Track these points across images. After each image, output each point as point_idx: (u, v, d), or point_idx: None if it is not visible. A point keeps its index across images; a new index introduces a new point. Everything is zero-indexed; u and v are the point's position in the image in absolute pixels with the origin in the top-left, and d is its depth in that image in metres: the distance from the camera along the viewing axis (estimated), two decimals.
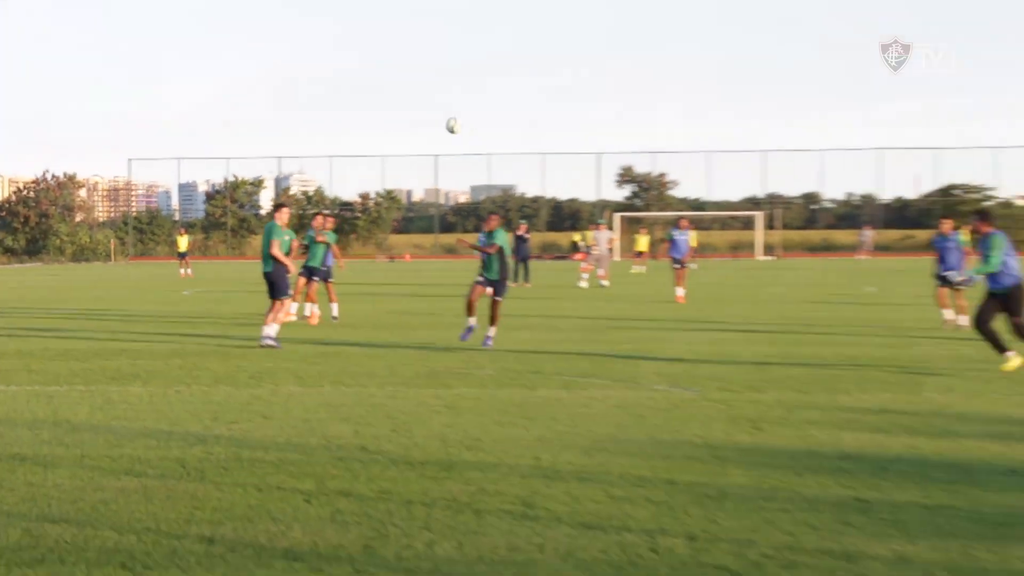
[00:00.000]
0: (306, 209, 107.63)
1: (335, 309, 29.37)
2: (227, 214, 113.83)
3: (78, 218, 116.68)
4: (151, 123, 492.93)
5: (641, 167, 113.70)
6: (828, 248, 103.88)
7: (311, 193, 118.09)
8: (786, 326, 27.30)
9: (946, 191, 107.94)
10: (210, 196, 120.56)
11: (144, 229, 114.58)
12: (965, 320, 25.44)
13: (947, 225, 26.33)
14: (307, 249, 28.04)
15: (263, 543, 8.53)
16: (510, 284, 33.79)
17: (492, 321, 22.38)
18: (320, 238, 28.20)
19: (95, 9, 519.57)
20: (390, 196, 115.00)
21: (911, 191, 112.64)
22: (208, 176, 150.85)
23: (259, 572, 7.81)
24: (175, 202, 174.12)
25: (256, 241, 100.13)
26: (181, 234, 70.36)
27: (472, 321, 22.03)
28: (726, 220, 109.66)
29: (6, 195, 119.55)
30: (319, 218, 29.29)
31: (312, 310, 28.03)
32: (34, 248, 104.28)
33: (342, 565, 7.95)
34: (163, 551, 8.32)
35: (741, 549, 8.35)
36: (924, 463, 11.38)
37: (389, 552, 8.28)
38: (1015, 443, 12.42)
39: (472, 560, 8.08)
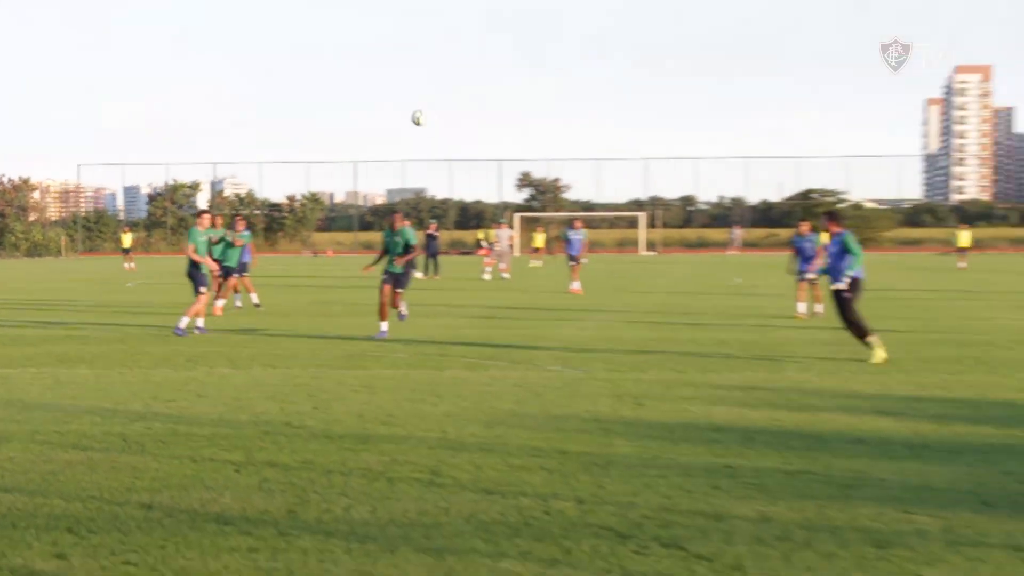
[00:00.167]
0: (239, 210, 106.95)
1: (255, 298, 29.53)
2: (167, 214, 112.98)
3: (32, 218, 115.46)
4: (99, 132, 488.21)
5: (538, 172, 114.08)
6: (702, 245, 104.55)
7: (243, 195, 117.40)
8: (665, 313, 27.46)
9: (805, 195, 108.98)
10: (152, 198, 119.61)
11: (92, 227, 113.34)
12: (821, 308, 25.71)
13: (805, 226, 26.56)
14: (225, 248, 27.58)
15: (197, 509, 8.47)
16: (420, 277, 33.46)
17: (395, 304, 21.81)
18: (238, 242, 27.80)
19: (42, 28, 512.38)
20: (314, 198, 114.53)
21: (775, 195, 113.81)
22: (150, 180, 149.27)
23: (193, 535, 7.75)
24: (120, 203, 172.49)
25: None
26: (125, 232, 69.96)
27: (384, 326, 21.44)
28: (613, 220, 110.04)
29: None
30: (237, 221, 28.97)
31: (221, 304, 27.55)
32: None
33: (268, 528, 7.91)
34: (106, 517, 8.24)
35: (624, 511, 8.38)
36: (784, 434, 11.48)
37: (310, 516, 8.25)
38: (863, 415, 12.55)
39: (385, 523, 8.06)
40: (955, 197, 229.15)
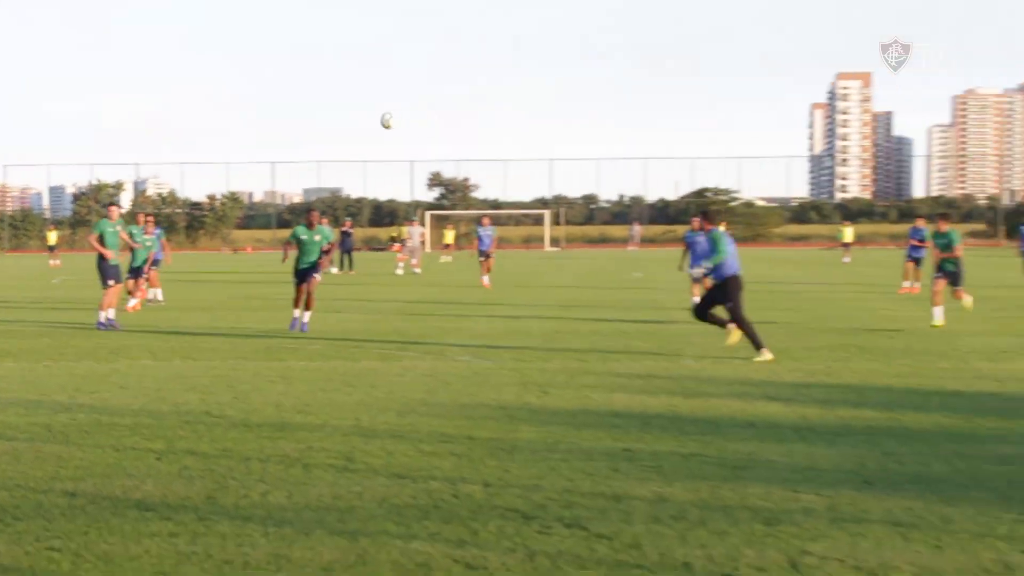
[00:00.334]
0: (161, 209, 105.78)
1: (159, 294, 29.49)
2: (92, 213, 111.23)
3: None
4: (25, 134, 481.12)
5: (448, 173, 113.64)
6: (604, 241, 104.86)
7: (165, 195, 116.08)
8: (569, 306, 27.53)
9: (700, 193, 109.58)
10: (77, 197, 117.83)
11: (18, 226, 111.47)
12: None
13: (697, 223, 26.61)
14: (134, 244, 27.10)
15: (119, 496, 8.37)
16: (336, 272, 33.10)
17: (307, 305, 20.98)
18: (135, 245, 27.21)
19: None
20: (234, 197, 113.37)
21: (672, 193, 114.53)
22: (75, 180, 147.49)
23: (115, 521, 7.65)
24: (46, 202, 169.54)
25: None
26: (51, 230, 68.89)
27: (297, 312, 21.06)
28: (519, 218, 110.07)
29: None
30: (149, 222, 28.50)
31: (134, 302, 27.19)
32: None
33: (188, 514, 7.83)
34: (30, 504, 8.13)
35: (528, 493, 8.39)
36: (680, 419, 11.55)
37: (229, 502, 8.18)
38: (754, 401, 12.66)
39: (300, 507, 8.01)
40: (839, 195, 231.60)
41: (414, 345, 18.56)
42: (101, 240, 22.38)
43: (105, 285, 22.03)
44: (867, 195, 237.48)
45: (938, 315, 21.17)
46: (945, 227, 21.99)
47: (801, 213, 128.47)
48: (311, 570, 6.59)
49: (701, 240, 25.86)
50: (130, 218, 34.92)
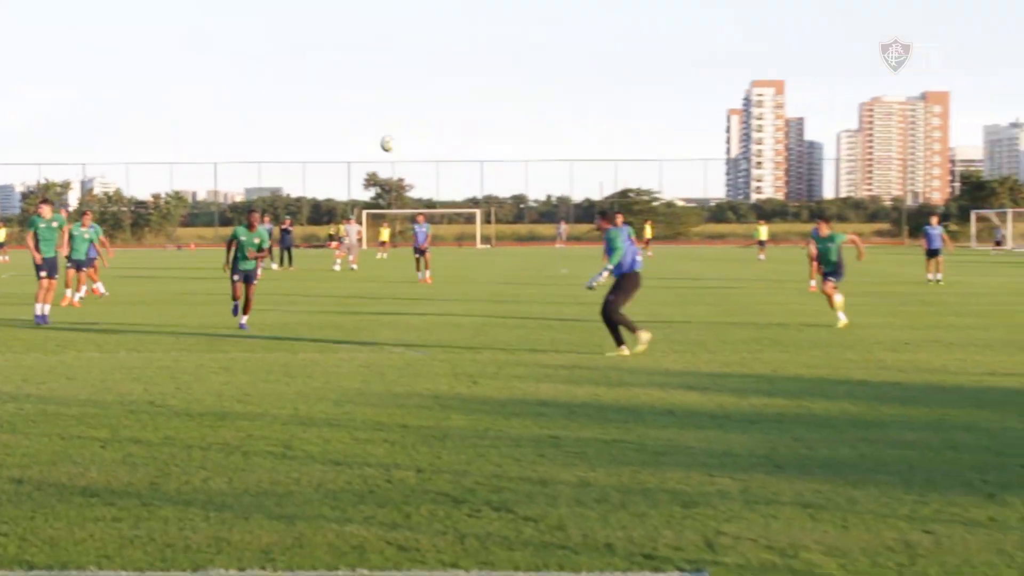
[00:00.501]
0: (107, 207, 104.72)
1: (101, 287, 29.43)
2: (55, 204, 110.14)
3: None
4: None
5: (383, 173, 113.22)
6: (533, 238, 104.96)
7: (111, 193, 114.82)
8: (499, 301, 27.54)
9: (623, 194, 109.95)
10: (25, 196, 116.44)
11: None
12: None
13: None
14: (72, 240, 26.75)
15: (65, 482, 8.27)
16: (276, 268, 32.82)
17: (246, 309, 20.19)
18: (81, 235, 26.93)
19: None
20: (177, 196, 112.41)
21: (596, 193, 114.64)
22: (23, 179, 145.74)
23: (61, 507, 7.56)
24: None
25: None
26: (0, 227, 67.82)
27: (244, 319, 20.08)
28: (452, 216, 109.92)
29: None
30: (86, 217, 28.12)
31: (77, 296, 26.84)
32: None
33: (131, 499, 7.75)
34: None
35: (459, 478, 8.38)
36: (603, 407, 11.59)
37: (171, 488, 8.11)
38: (673, 390, 12.73)
39: (240, 493, 7.95)
40: (754, 196, 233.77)
41: (350, 337, 18.49)
42: (35, 237, 21.94)
43: (39, 277, 21.69)
44: (780, 196, 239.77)
45: (842, 317, 20.39)
46: (827, 231, 21.31)
47: (719, 213, 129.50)
48: (250, 553, 6.55)
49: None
50: (77, 215, 34.51)
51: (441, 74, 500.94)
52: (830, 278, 20.96)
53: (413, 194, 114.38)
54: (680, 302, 27.01)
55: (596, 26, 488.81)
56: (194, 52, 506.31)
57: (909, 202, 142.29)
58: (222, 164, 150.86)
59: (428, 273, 36.22)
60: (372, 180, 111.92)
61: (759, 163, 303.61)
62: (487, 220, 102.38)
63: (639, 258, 16.79)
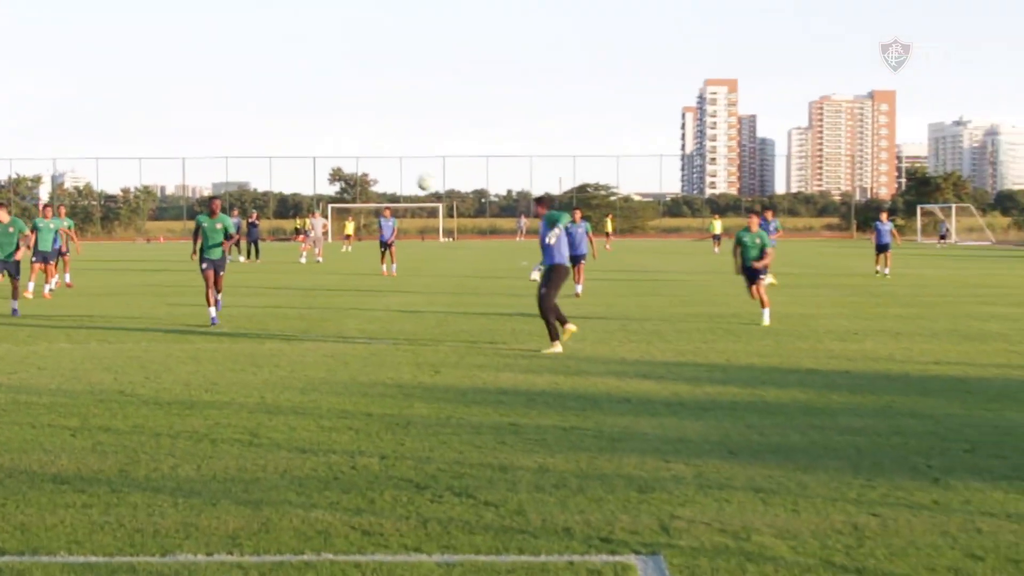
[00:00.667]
0: (77, 201, 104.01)
1: (67, 277, 29.60)
2: (11, 204, 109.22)
3: None
4: None
5: (348, 168, 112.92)
6: (494, 232, 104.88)
7: (81, 188, 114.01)
8: (461, 293, 27.53)
9: (582, 188, 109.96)
10: None
11: None
12: (580, 288, 25.75)
13: (577, 214, 26.59)
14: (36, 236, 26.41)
15: (36, 470, 8.21)
16: (243, 261, 32.57)
17: (218, 287, 19.52)
18: (47, 226, 26.57)
19: None
20: (147, 191, 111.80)
21: (556, 188, 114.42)
22: None
23: (32, 494, 7.50)
24: None
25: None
26: None
27: (213, 312, 19.16)
28: (415, 210, 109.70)
29: None
30: (47, 210, 27.78)
31: (47, 288, 26.59)
32: None
33: (101, 486, 7.70)
34: None
35: (421, 464, 8.37)
36: (562, 395, 11.60)
37: (140, 474, 8.06)
38: (629, 379, 12.76)
39: (208, 479, 7.92)
40: (708, 191, 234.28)
41: (316, 328, 18.44)
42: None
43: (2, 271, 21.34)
44: (734, 191, 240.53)
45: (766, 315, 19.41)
46: (757, 226, 20.26)
47: (674, 207, 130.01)
48: (218, 538, 6.52)
49: (580, 230, 25.97)
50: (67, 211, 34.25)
51: (403, 70, 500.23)
52: (760, 277, 19.88)
53: (377, 188, 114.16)
54: (637, 294, 27.07)
55: (555, 25, 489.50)
56: (163, 49, 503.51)
57: (857, 197, 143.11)
58: (190, 159, 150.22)
59: (394, 267, 36.06)
60: (337, 175, 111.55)
61: (713, 159, 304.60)
62: (449, 214, 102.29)
63: (566, 251, 16.05)
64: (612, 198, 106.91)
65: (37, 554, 6.24)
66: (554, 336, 15.54)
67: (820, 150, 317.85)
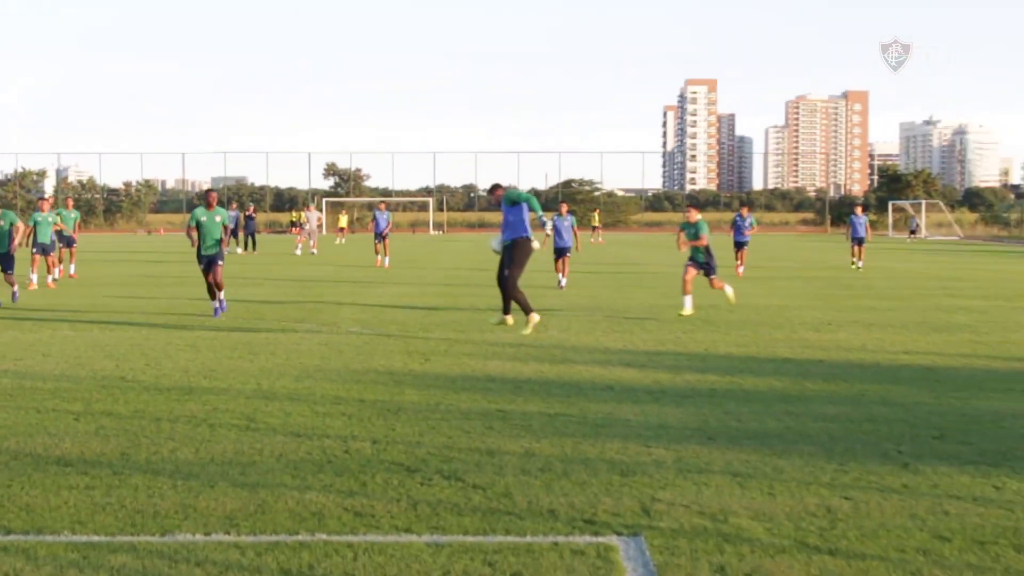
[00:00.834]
0: (81, 194, 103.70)
1: (72, 268, 29.59)
2: (17, 197, 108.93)
3: None
4: None
5: (342, 163, 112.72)
6: (482, 225, 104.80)
7: (85, 181, 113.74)
8: (449, 284, 27.50)
9: (567, 183, 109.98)
10: (2, 183, 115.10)
11: None
12: (565, 281, 25.71)
13: (563, 208, 26.56)
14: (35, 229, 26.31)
15: (40, 453, 8.19)
16: (240, 252, 32.41)
17: (219, 287, 18.62)
18: (45, 219, 26.46)
19: None
20: (147, 184, 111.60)
21: (542, 183, 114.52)
22: (1, 167, 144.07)
23: (37, 476, 7.49)
24: None
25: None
26: None
27: (216, 304, 18.63)
28: (406, 204, 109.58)
29: None
30: (44, 203, 27.59)
31: (50, 278, 26.52)
32: None
33: (103, 469, 7.69)
34: None
35: (412, 449, 8.37)
36: (548, 383, 11.60)
37: (141, 458, 8.05)
38: (612, 367, 12.76)
39: (206, 462, 7.90)
40: (689, 187, 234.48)
41: (311, 317, 18.41)
42: None
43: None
44: (713, 187, 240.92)
45: (687, 304, 18.84)
46: (695, 217, 19.77)
47: (656, 202, 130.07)
48: (215, 519, 6.51)
49: (567, 223, 25.96)
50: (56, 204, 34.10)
51: (396, 70, 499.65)
52: (712, 275, 19.48)
53: (370, 183, 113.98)
54: (620, 285, 27.08)
55: (543, 28, 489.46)
56: (163, 48, 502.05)
57: (832, 193, 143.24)
58: (190, 154, 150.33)
59: (387, 260, 35.91)
60: (331, 170, 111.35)
61: (693, 156, 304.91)
62: (439, 208, 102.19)
63: (528, 228, 15.80)
64: (596, 193, 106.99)
65: (42, 533, 6.23)
66: (507, 310, 15.47)
67: (796, 148, 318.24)
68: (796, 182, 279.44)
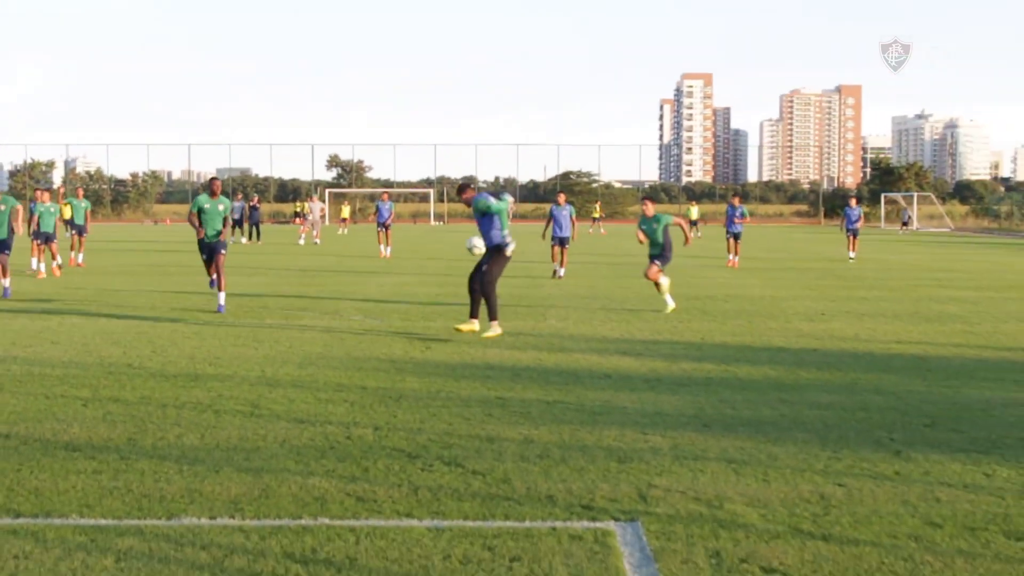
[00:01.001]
0: (88, 185, 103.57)
1: (80, 257, 29.74)
2: (27, 187, 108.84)
3: None
4: None
5: (344, 155, 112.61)
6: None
7: (92, 172, 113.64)
8: (449, 274, 27.48)
9: (565, 176, 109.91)
10: (13, 174, 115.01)
11: None
12: (563, 271, 25.70)
13: (561, 198, 26.51)
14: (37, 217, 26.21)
15: (49, 438, 8.18)
16: (245, 243, 32.33)
17: (220, 286, 17.73)
18: (46, 210, 26.30)
19: None
20: (154, 175, 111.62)
21: (541, 175, 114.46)
22: (11, 159, 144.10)
23: (45, 460, 7.48)
24: None
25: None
26: None
27: (222, 297, 17.66)
28: (408, 195, 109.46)
29: None
30: (45, 194, 27.38)
31: (55, 264, 26.42)
32: None
33: (111, 454, 7.68)
34: None
35: (413, 435, 8.37)
36: (546, 371, 11.60)
37: (147, 443, 8.04)
38: (609, 356, 12.76)
39: (211, 447, 7.90)
40: (685, 179, 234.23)
41: (314, 306, 18.40)
42: None
43: None
44: (708, 179, 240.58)
45: (669, 302, 18.02)
46: (651, 211, 18.80)
47: (652, 194, 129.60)
48: (220, 503, 6.51)
49: (564, 214, 25.94)
50: (71, 191, 34.12)
51: (398, 64, 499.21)
52: (655, 261, 18.38)
53: (372, 175, 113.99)
54: (617, 276, 27.07)
55: (542, 23, 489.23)
56: (170, 41, 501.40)
57: (825, 186, 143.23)
58: (195, 146, 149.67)
59: (389, 250, 35.80)
60: (334, 162, 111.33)
61: (689, 148, 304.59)
62: (440, 199, 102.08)
63: (508, 236, 14.56)
64: (594, 184, 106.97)
65: (50, 517, 6.23)
66: (474, 314, 14.39)
67: (790, 141, 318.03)
68: (790, 174, 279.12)
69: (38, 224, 25.81)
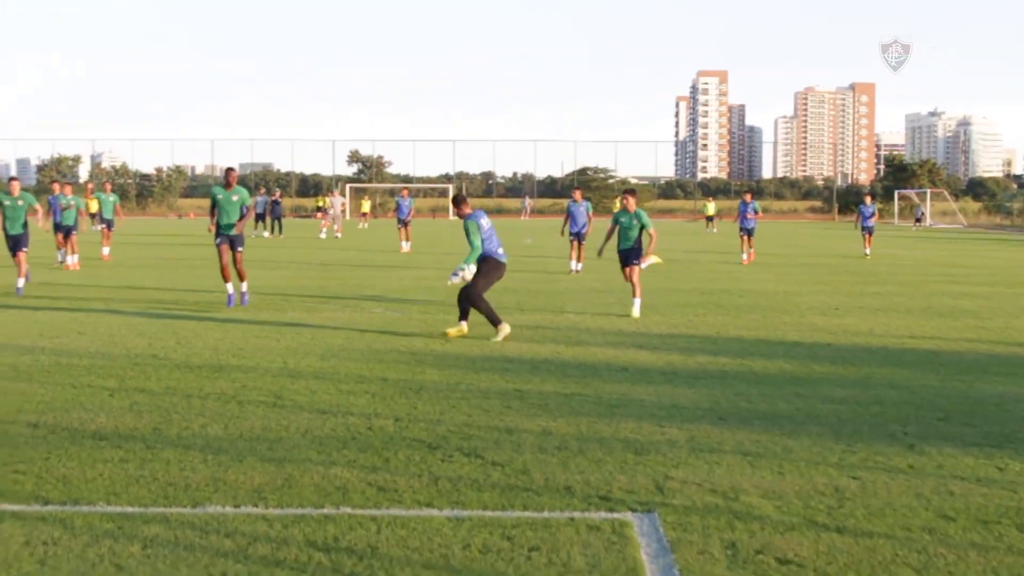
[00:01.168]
0: (114, 179, 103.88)
1: (106, 250, 29.87)
2: (54, 182, 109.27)
3: None
4: None
5: (365, 151, 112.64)
6: (500, 211, 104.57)
7: (118, 166, 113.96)
8: None
9: (582, 171, 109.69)
10: (40, 168, 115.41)
11: None
12: (580, 266, 25.65)
13: (577, 194, 26.46)
14: (56, 212, 26.24)
15: (76, 427, 8.22)
16: (267, 236, 32.39)
17: (240, 277, 17.57)
18: (67, 203, 26.30)
19: None
20: (178, 170, 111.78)
21: (558, 171, 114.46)
22: (39, 153, 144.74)
23: (73, 449, 7.52)
24: (13, 172, 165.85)
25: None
26: None
27: (231, 288, 17.41)
28: (427, 190, 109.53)
29: None
30: (59, 186, 27.24)
31: (72, 260, 26.40)
32: None
33: (137, 443, 7.71)
34: None
35: (433, 426, 8.37)
36: (564, 364, 11.59)
37: (172, 432, 8.07)
38: (626, 349, 12.74)
39: (235, 437, 7.92)
40: (700, 175, 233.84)
41: (335, 299, 18.42)
42: (2, 215, 20.21)
43: (12, 255, 20.21)
44: (724, 175, 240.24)
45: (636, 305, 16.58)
46: (633, 206, 17.19)
47: (668, 190, 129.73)
48: (244, 492, 6.53)
49: (581, 210, 25.90)
50: (98, 187, 34.21)
51: (417, 61, 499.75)
52: (634, 262, 16.87)
53: (391, 170, 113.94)
54: None
55: (560, 20, 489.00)
56: (195, 39, 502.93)
57: (839, 182, 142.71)
58: (219, 140, 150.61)
59: (409, 245, 35.78)
60: (355, 157, 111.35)
61: (705, 145, 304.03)
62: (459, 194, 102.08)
63: (501, 250, 14.09)
64: (610, 180, 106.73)
65: (78, 504, 6.26)
66: (464, 316, 13.93)
67: (804, 138, 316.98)
68: (804, 171, 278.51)
69: (60, 216, 25.92)
